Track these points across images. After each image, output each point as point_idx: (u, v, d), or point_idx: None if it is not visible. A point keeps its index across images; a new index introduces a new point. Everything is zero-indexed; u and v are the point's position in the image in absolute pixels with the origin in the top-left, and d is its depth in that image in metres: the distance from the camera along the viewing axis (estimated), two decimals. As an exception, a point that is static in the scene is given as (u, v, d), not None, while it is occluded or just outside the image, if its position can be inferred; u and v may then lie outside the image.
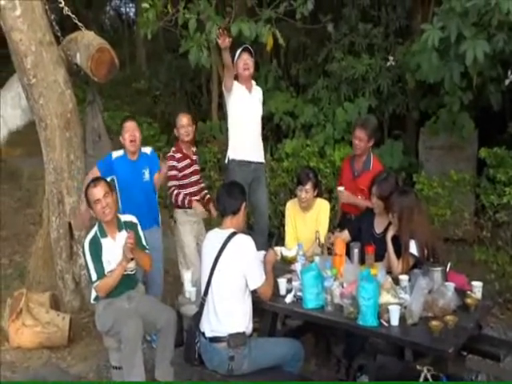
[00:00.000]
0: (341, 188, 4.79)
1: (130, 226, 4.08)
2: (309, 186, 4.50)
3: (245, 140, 5.19)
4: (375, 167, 4.78)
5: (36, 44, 4.90)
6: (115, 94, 11.55)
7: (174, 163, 4.96)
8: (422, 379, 3.23)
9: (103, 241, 3.96)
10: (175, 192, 4.98)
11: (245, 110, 5.18)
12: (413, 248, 3.81)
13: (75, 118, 5.19)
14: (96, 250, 3.91)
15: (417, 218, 3.84)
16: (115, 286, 3.90)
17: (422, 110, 7.31)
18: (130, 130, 4.73)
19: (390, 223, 4.00)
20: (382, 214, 4.16)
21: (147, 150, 4.95)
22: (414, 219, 3.83)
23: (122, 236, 3.98)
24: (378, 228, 4.20)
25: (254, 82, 5.32)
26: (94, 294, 4.03)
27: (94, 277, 3.89)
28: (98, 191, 3.92)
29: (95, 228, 4.01)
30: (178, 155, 5.00)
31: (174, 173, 4.97)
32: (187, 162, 5.04)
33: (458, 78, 5.15)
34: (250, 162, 5.21)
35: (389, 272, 3.78)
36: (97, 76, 5.00)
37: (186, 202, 4.96)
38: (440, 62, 5.08)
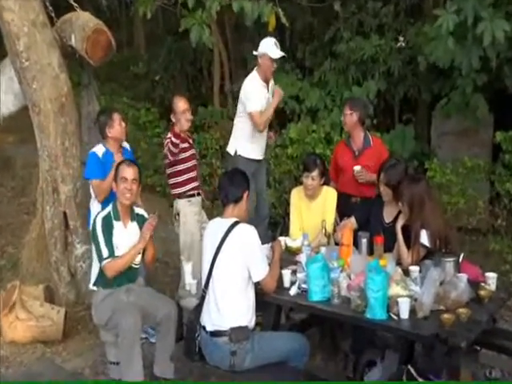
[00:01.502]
0: (357, 167, 4.79)
1: (141, 219, 4.11)
2: (315, 173, 4.48)
3: (256, 141, 5.38)
4: (376, 144, 4.96)
5: (29, 25, 4.88)
6: (112, 77, 11.51)
7: (173, 148, 4.79)
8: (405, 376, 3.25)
9: (115, 223, 3.98)
10: (180, 180, 4.96)
11: (263, 110, 5.29)
12: (424, 238, 3.80)
13: (70, 102, 5.18)
14: (108, 228, 3.94)
15: (428, 207, 3.82)
16: (124, 269, 3.91)
17: (435, 92, 7.24)
18: (121, 119, 4.73)
19: (399, 212, 3.98)
20: (391, 203, 4.14)
21: (126, 145, 4.93)
22: (425, 208, 3.81)
23: (134, 226, 4.05)
24: (388, 217, 4.18)
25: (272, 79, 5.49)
26: (93, 279, 4.04)
27: (105, 253, 3.88)
28: (130, 172, 3.98)
29: (109, 208, 4.04)
30: (176, 140, 4.79)
31: (171, 158, 4.88)
32: (186, 145, 4.98)
33: (476, 62, 5.12)
34: (257, 160, 5.44)
35: (399, 263, 3.77)
36: (92, 59, 4.98)
37: (192, 189, 4.98)
38: (456, 46, 5.03)
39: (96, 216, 4.03)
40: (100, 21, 5.09)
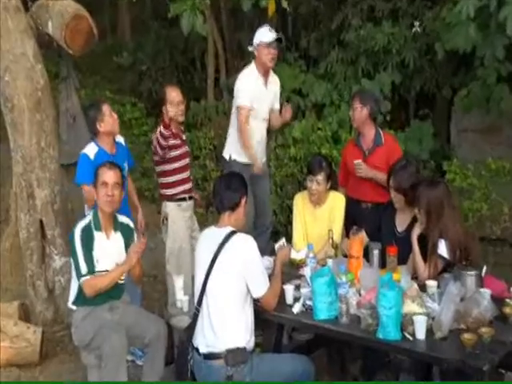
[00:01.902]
0: (358, 161, 4.85)
1: (126, 229, 4.11)
2: (321, 177, 4.50)
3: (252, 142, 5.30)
4: (388, 142, 4.95)
5: (0, 10, 4.89)
6: (94, 69, 11.53)
7: (162, 142, 4.80)
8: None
9: (96, 234, 3.98)
10: (170, 180, 4.98)
11: (257, 108, 5.25)
12: (442, 249, 3.81)
13: (47, 97, 5.19)
14: (88, 240, 3.93)
15: (447, 214, 3.84)
16: (107, 289, 3.91)
17: (455, 86, 7.25)
18: (111, 110, 4.73)
19: (414, 220, 4.00)
20: (403, 210, 4.17)
21: (121, 139, 4.92)
22: (443, 215, 3.83)
23: (118, 237, 4.04)
24: (400, 226, 4.20)
25: (271, 72, 5.41)
26: (73, 296, 4.04)
27: (83, 269, 3.87)
28: (110, 176, 3.97)
29: (89, 217, 4.04)
30: (167, 133, 4.79)
31: (161, 155, 4.90)
32: (177, 141, 4.97)
33: (501, 52, 5.14)
34: (249, 165, 5.30)
35: (414, 277, 3.78)
36: (72, 48, 5.01)
37: (183, 192, 4.99)
38: (478, 35, 5.04)
39: (75, 227, 4.03)
40: (80, 5, 5.12)
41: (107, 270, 3.95)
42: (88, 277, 3.87)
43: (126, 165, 4.80)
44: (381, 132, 5.00)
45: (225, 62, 9.52)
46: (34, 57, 5.08)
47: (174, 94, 4.91)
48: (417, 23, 7.27)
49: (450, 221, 3.86)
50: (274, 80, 5.45)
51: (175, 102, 4.88)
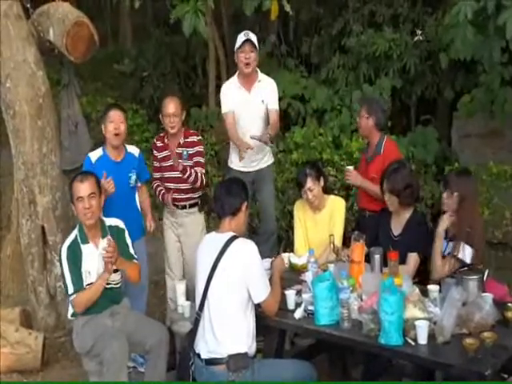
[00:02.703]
0: (349, 167, 4.91)
1: (115, 231, 4.10)
2: (310, 183, 4.51)
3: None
4: (387, 150, 4.84)
5: (1, 17, 4.92)
6: (95, 75, 11.54)
7: (155, 152, 5.06)
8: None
9: (84, 247, 3.97)
10: (155, 185, 5.08)
11: (241, 116, 5.24)
12: (464, 252, 3.82)
13: (48, 103, 5.21)
14: (75, 257, 3.92)
15: (477, 205, 3.88)
16: (95, 301, 3.91)
17: (457, 89, 7.24)
18: (115, 121, 4.68)
19: (437, 215, 4.00)
20: (398, 213, 4.19)
21: (135, 150, 4.90)
22: (475, 204, 3.85)
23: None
24: (396, 229, 4.22)
25: (259, 76, 5.29)
26: (71, 309, 4.04)
27: (70, 289, 3.90)
28: (84, 188, 3.94)
29: (75, 231, 4.03)
30: (159, 143, 5.04)
31: (155, 164, 5.07)
32: (167, 153, 4.98)
33: (498, 55, 5.13)
34: (248, 172, 5.33)
35: (416, 282, 3.78)
36: (73, 55, 5.01)
37: (160, 196, 5.03)
38: (476, 37, 5.05)
39: (61, 245, 4.03)
40: (81, 12, 5.12)
41: None
42: (75, 295, 3.88)
43: (133, 175, 4.78)
44: (384, 140, 4.91)
45: (226, 69, 9.51)
46: (36, 64, 5.10)
47: (168, 106, 4.91)
48: (419, 31, 7.28)
49: (477, 213, 3.88)
50: (264, 85, 5.29)
51: (167, 114, 4.90)
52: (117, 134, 4.66)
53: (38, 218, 5.22)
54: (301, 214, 4.73)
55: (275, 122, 5.24)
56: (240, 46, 5.13)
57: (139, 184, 4.92)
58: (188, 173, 4.81)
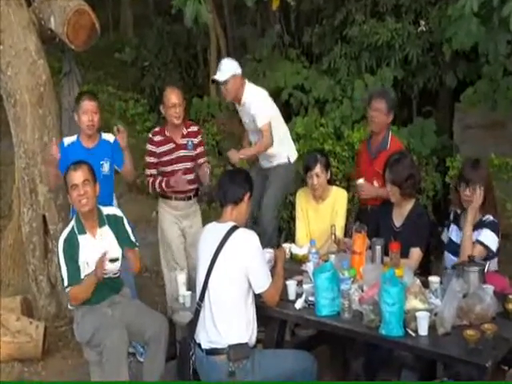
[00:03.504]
0: (360, 181, 4.75)
1: (113, 220, 4.08)
2: (318, 169, 4.51)
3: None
4: (393, 146, 4.80)
5: (2, 5, 4.90)
6: (96, 64, 11.54)
7: (151, 148, 4.92)
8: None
9: (81, 238, 3.96)
10: (150, 180, 4.96)
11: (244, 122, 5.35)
12: (487, 237, 3.87)
13: (49, 92, 5.20)
14: (71, 249, 3.91)
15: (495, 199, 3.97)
16: (90, 295, 3.90)
17: (460, 78, 7.20)
18: (89, 113, 4.66)
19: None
20: (399, 204, 4.19)
21: (110, 138, 4.85)
22: (494, 196, 3.95)
23: (105, 231, 4.01)
24: (397, 221, 4.23)
25: (248, 89, 5.15)
26: None
27: (65, 281, 3.89)
28: (78, 176, 3.93)
29: (72, 222, 4.03)
30: (158, 138, 4.91)
31: (151, 160, 4.94)
32: (170, 146, 4.93)
33: (504, 48, 5.11)
34: (264, 168, 5.33)
35: (417, 273, 3.77)
36: (74, 43, 5.00)
37: (164, 184, 4.88)
38: (481, 30, 5.02)
39: (60, 236, 4.02)
40: (82, 1, 5.11)
41: None
42: (70, 288, 3.88)
43: (105, 163, 4.73)
44: (389, 135, 4.89)
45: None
46: (37, 52, 5.09)
47: (170, 96, 4.85)
48: (422, 22, 7.24)
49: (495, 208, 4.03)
50: (247, 102, 5.12)
51: (172, 104, 4.84)
52: (89, 125, 4.68)
53: (39, 207, 5.22)
54: (303, 204, 4.73)
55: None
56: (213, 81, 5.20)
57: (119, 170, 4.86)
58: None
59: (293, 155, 5.39)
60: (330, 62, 7.79)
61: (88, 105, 4.68)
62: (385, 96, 4.91)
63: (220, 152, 7.90)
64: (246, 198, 3.65)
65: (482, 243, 3.85)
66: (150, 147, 4.95)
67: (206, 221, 4.94)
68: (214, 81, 5.16)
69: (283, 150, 5.28)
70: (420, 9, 7.60)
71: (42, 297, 5.31)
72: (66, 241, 3.94)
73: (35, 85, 5.08)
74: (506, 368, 3.61)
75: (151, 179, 4.96)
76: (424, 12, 7.49)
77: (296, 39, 8.81)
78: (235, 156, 5.02)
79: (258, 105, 5.07)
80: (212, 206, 6.71)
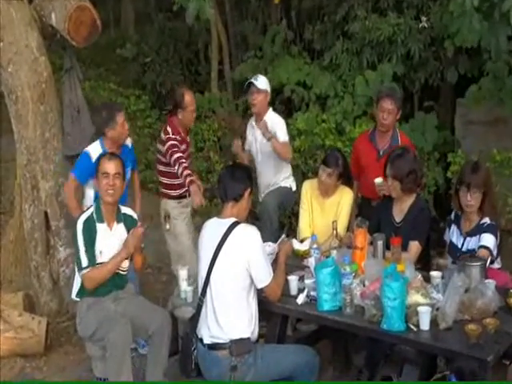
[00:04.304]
0: (379, 179, 4.46)
1: (129, 220, 4.13)
2: (333, 173, 4.51)
3: (257, 180, 5.35)
4: (404, 143, 4.79)
5: (3, 2, 4.90)
6: (97, 60, 11.54)
7: (176, 144, 4.96)
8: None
9: (99, 226, 3.99)
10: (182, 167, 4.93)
11: (254, 149, 5.37)
12: (488, 241, 3.86)
13: (51, 88, 5.20)
14: (90, 232, 3.93)
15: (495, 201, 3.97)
16: (105, 280, 3.92)
17: (461, 72, 7.19)
18: (124, 125, 4.71)
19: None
20: (400, 199, 4.19)
21: (129, 142, 4.94)
22: (495, 200, 3.93)
23: (120, 228, 4.06)
24: (398, 216, 4.23)
25: (271, 111, 5.34)
26: (76, 288, 4.05)
27: (84, 262, 3.88)
28: (111, 167, 3.99)
29: (91, 209, 4.05)
30: (179, 137, 5.02)
31: (179, 155, 4.94)
32: (184, 146, 5.07)
33: (504, 42, 5.10)
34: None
35: (418, 267, 3.78)
36: (75, 40, 5.00)
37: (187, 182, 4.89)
38: (483, 25, 5.01)
39: (78, 218, 4.03)
40: (84, -3, 5.11)
41: None
42: (88, 269, 3.88)
43: (128, 169, 4.74)
44: (398, 132, 4.90)
45: (229, 54, 9.50)
46: (38, 49, 5.09)
47: (189, 100, 5.01)
48: (424, 18, 7.22)
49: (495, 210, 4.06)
50: (270, 120, 5.22)
51: (190, 110, 5.01)
52: (124, 136, 4.78)
53: (40, 204, 5.23)
54: (309, 195, 4.73)
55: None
56: (244, 90, 5.31)
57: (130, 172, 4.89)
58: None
59: (294, 186, 5.48)
60: (332, 58, 7.78)
61: (122, 116, 4.71)
62: (393, 96, 4.85)
63: (221, 148, 7.90)
64: (247, 193, 3.65)
65: (486, 247, 3.85)
66: (173, 143, 4.94)
67: (207, 217, 4.95)
68: (249, 84, 5.22)
69: (287, 180, 5.42)
70: (421, 4, 7.59)
71: (43, 293, 5.31)
72: (85, 222, 3.94)
73: (36, 81, 5.08)
74: (508, 362, 3.62)
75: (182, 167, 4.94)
76: (425, 7, 7.48)
77: (298, 35, 8.80)
78: (238, 146, 5.19)
79: (281, 123, 5.27)
80: (214, 203, 6.73)
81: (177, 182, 5.01)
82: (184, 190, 5.02)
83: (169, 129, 5.03)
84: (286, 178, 5.40)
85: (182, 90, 5.16)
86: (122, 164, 4.07)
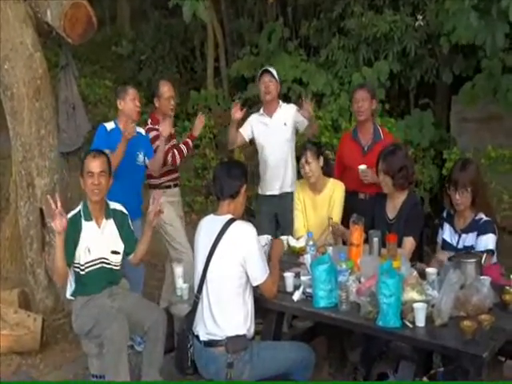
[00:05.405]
0: (363, 166, 4.68)
1: (119, 215, 4.13)
2: (309, 156, 4.51)
3: (270, 171, 5.22)
4: (387, 137, 4.87)
5: (-2, -1, 4.89)
6: (93, 58, 11.53)
7: (158, 133, 4.95)
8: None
9: (85, 224, 3.99)
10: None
11: (263, 140, 5.24)
12: (493, 242, 3.90)
13: (46, 85, 5.19)
14: (73, 230, 3.91)
15: (489, 197, 3.97)
16: (63, 265, 3.81)
17: (456, 72, 7.20)
18: (137, 99, 4.82)
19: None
20: (392, 196, 4.20)
21: (141, 130, 4.96)
22: (487, 194, 3.92)
23: (110, 225, 4.06)
24: (391, 212, 4.23)
25: (280, 102, 5.29)
26: (70, 288, 4.04)
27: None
28: (96, 165, 3.97)
29: (79, 207, 4.05)
30: (157, 126, 4.99)
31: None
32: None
33: (502, 40, 5.10)
34: (272, 196, 5.21)
35: (414, 264, 3.78)
36: (71, 37, 4.98)
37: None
38: (480, 22, 5.01)
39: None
40: (79, -6, 5.09)
41: (100, 258, 4.00)
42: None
43: (140, 154, 4.85)
44: (378, 127, 4.96)
45: (224, 51, 9.50)
46: (33, 45, 5.08)
47: (167, 89, 5.05)
48: (420, 17, 7.22)
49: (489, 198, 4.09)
50: (283, 111, 5.24)
51: (170, 96, 5.03)
52: (138, 112, 4.84)
53: (36, 201, 5.22)
54: (301, 195, 4.73)
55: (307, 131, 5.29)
56: (259, 76, 5.22)
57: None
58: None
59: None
60: (328, 55, 7.79)
61: (135, 93, 4.85)
62: (364, 86, 5.04)
63: (217, 145, 7.91)
64: (243, 190, 3.65)
65: (492, 251, 3.89)
66: (155, 133, 4.97)
67: (203, 213, 4.96)
68: (262, 72, 5.22)
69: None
70: (417, 1, 7.59)
71: (39, 290, 5.31)
72: (70, 220, 3.91)
73: (32, 78, 5.07)
74: (503, 359, 3.64)
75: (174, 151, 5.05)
76: (421, 5, 7.49)
77: (294, 32, 8.80)
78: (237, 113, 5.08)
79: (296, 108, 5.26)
80: (209, 199, 6.73)
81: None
82: (168, 179, 5.07)
83: (149, 121, 5.10)
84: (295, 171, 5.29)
85: (158, 80, 5.32)
86: (107, 160, 4.06)
